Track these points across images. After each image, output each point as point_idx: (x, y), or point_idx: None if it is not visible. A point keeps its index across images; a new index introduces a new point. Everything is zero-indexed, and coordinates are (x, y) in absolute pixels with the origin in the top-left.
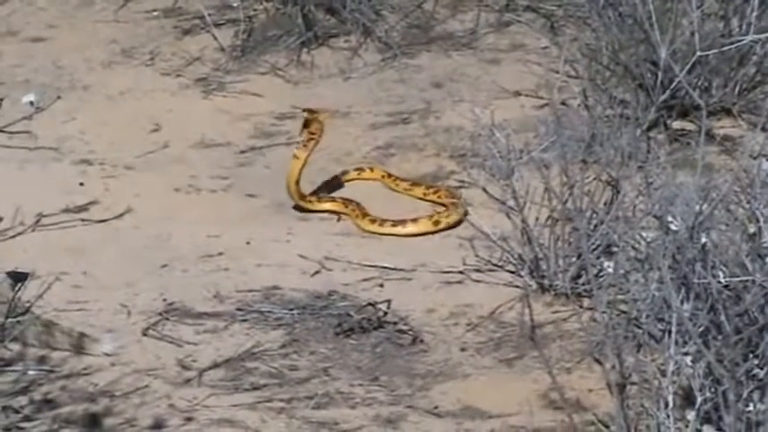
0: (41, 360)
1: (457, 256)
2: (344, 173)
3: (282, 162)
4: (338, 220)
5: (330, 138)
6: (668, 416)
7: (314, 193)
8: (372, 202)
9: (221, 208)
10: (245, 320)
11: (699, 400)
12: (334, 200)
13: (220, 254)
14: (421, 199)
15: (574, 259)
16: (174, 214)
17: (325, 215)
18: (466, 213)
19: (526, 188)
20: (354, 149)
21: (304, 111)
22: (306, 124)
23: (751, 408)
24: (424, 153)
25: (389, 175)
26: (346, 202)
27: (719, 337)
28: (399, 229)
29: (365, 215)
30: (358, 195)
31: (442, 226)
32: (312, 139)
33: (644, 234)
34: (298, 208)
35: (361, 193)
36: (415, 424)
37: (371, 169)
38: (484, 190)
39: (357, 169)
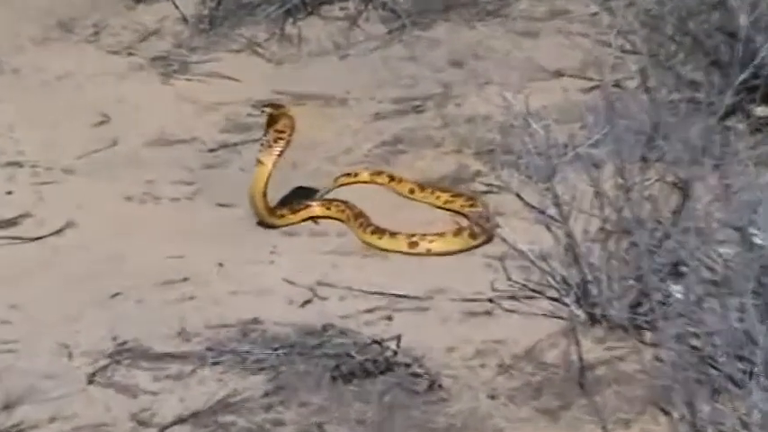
0: None
1: (484, 279)
2: (378, 173)
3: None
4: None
5: (324, 131)
6: None
7: (284, 203)
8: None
9: (186, 221)
10: (217, 363)
11: None
12: (310, 206)
13: (185, 279)
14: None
15: (632, 282)
16: (126, 230)
17: (317, 227)
18: (477, 242)
19: (571, 193)
20: (354, 146)
21: (265, 107)
22: (271, 121)
23: None
24: (442, 149)
25: (422, 188)
26: (327, 203)
27: None
28: (374, 239)
29: (357, 216)
30: (352, 196)
31: (419, 250)
32: (280, 138)
33: (721, 250)
34: (265, 225)
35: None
36: None
37: (400, 180)
38: (518, 196)
39: (390, 177)
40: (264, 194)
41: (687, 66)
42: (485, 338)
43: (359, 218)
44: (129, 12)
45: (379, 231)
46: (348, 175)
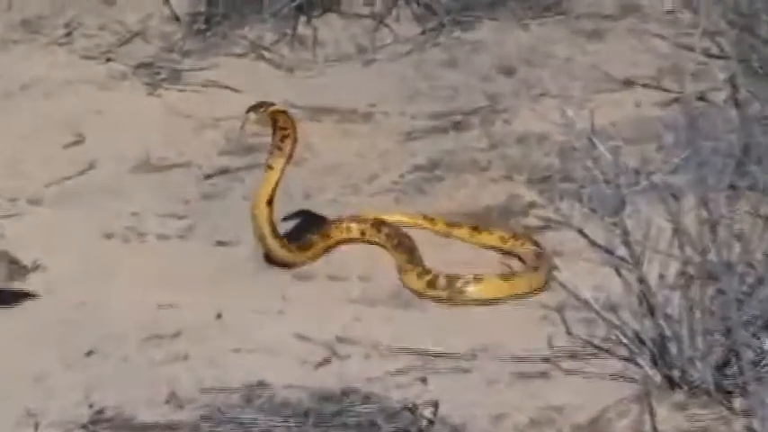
0: None
1: (540, 333)
2: (455, 225)
3: None
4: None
5: (344, 153)
6: None
7: (293, 235)
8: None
9: (177, 263)
10: None
11: None
12: (331, 231)
13: (176, 334)
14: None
15: (719, 338)
16: (104, 273)
17: (336, 269)
18: (433, 293)
19: (645, 229)
20: (381, 171)
21: (250, 111)
22: (272, 122)
23: None
24: (489, 175)
25: (516, 236)
26: (347, 222)
27: None
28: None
29: (389, 237)
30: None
31: (401, 278)
32: (285, 136)
33: None
34: (275, 261)
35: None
36: None
37: (476, 229)
38: (580, 232)
39: (473, 228)
40: (270, 202)
41: None
42: (540, 405)
43: (392, 238)
44: (107, 8)
45: (400, 248)
46: (427, 219)
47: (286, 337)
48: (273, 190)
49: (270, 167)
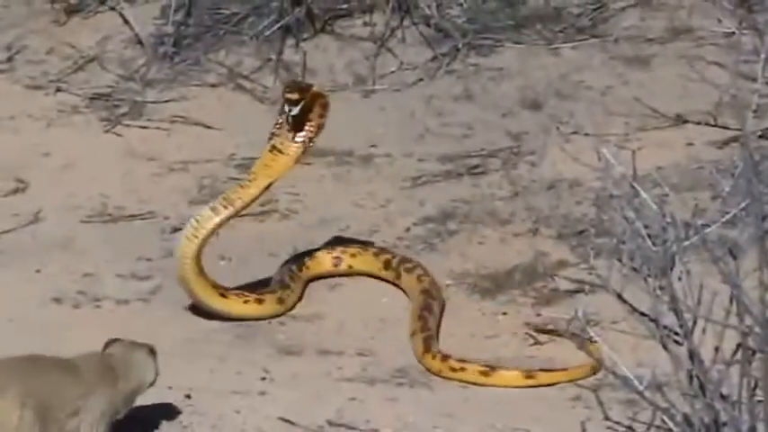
0: None
1: (572, 418)
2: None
3: (249, 246)
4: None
5: (340, 202)
6: None
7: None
8: None
9: (138, 332)
10: None
11: None
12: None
13: (136, 418)
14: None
15: None
16: (52, 343)
17: (328, 341)
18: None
19: (697, 294)
20: (382, 222)
21: (289, 91)
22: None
23: None
24: (511, 229)
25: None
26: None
27: None
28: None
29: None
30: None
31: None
32: (309, 121)
33: None
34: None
35: None
36: None
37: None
38: (619, 297)
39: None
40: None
41: None
42: None
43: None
44: (57, 29)
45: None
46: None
47: (268, 421)
48: (259, 195)
49: (277, 151)
